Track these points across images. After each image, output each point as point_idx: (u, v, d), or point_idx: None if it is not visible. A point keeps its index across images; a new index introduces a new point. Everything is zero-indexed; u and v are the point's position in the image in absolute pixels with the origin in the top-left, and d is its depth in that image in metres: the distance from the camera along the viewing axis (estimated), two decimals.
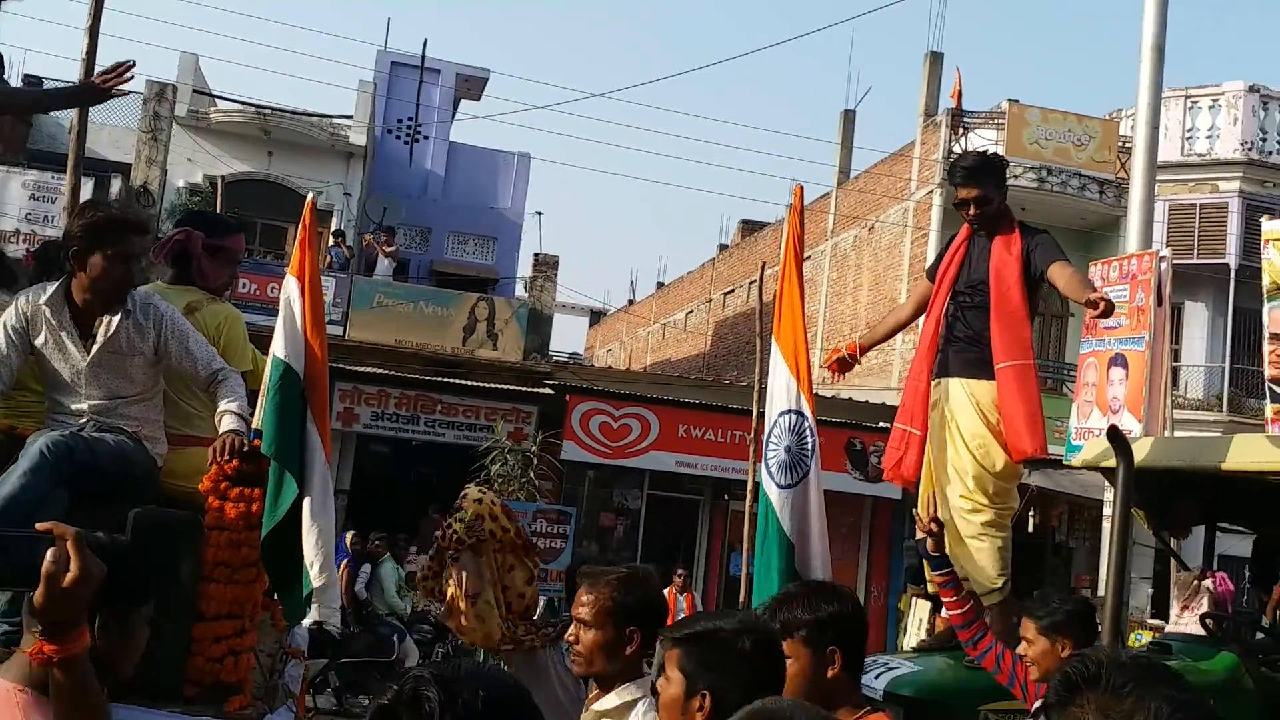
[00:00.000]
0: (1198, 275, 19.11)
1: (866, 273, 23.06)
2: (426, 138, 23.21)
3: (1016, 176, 18.76)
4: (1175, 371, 17.28)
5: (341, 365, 16.25)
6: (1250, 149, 19.43)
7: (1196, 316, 19.68)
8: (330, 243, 19.68)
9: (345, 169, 21.21)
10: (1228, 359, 19.12)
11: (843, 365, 5.36)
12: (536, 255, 20.38)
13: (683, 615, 14.38)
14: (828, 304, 24.46)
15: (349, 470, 17.49)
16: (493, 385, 17.49)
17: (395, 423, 17.34)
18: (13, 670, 2.22)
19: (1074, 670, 1.67)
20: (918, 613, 6.36)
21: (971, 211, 5.10)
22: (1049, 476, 15.86)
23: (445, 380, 17.40)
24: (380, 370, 17.17)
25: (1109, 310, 4.61)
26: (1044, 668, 3.73)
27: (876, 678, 4.90)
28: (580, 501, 18.14)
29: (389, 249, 19.80)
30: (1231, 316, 18.85)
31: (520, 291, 21.20)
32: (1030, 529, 17.78)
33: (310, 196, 5.27)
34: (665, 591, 14.85)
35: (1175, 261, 16.82)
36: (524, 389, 17.70)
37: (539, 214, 32.44)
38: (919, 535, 4.46)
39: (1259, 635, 5.91)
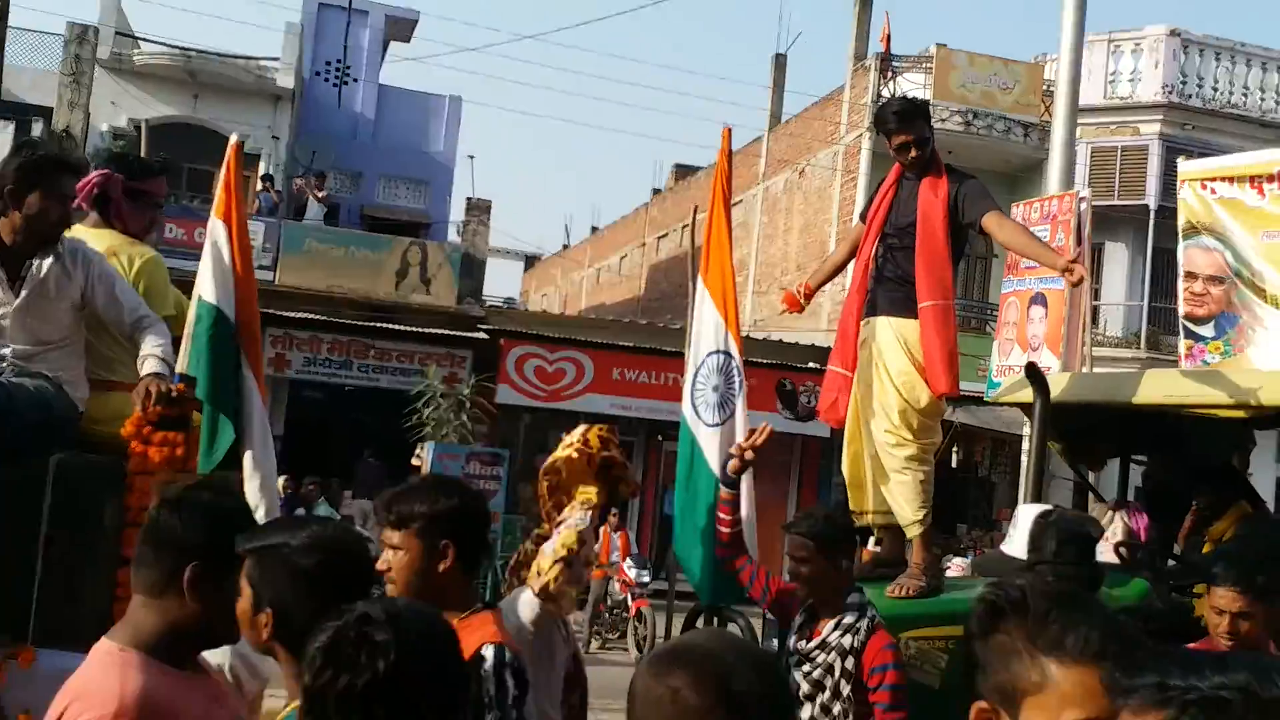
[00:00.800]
0: (1118, 216, 19.47)
1: (797, 216, 23.20)
2: (356, 80, 22.84)
3: (943, 120, 18.94)
4: (1095, 310, 17.65)
5: (273, 311, 16.07)
6: (1171, 92, 19.75)
7: (1116, 256, 20.08)
8: (259, 187, 19.35)
9: (273, 112, 20.81)
10: (1146, 298, 19.56)
11: (795, 304, 5.43)
12: (469, 199, 20.23)
13: (616, 554, 14.60)
14: (759, 248, 24.60)
15: (282, 416, 17.36)
16: (426, 330, 17.42)
17: (328, 368, 17.22)
18: (120, 633, 2.19)
19: (999, 598, 1.71)
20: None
21: (913, 154, 5.16)
22: (972, 414, 16.20)
23: (378, 325, 17.30)
24: (312, 316, 17.02)
25: (1081, 277, 4.72)
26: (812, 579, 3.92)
27: None
28: (516, 445, 18.20)
29: (320, 193, 19.52)
30: (1150, 256, 19.26)
31: (453, 236, 21.05)
32: (954, 465, 18.20)
33: (234, 138, 5.20)
34: (600, 530, 15.02)
35: (1096, 203, 17.19)
36: (458, 334, 17.65)
37: (471, 158, 32.15)
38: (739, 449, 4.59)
39: (1170, 562, 6.14)
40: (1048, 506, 3.20)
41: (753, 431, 4.68)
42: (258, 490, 4.31)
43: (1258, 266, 6.61)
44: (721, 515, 4.57)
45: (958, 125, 19.55)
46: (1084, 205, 7.78)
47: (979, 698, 1.65)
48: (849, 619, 3.83)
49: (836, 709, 3.72)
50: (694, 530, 5.14)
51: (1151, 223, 19.02)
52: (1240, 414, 4.94)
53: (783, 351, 18.79)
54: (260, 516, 4.19)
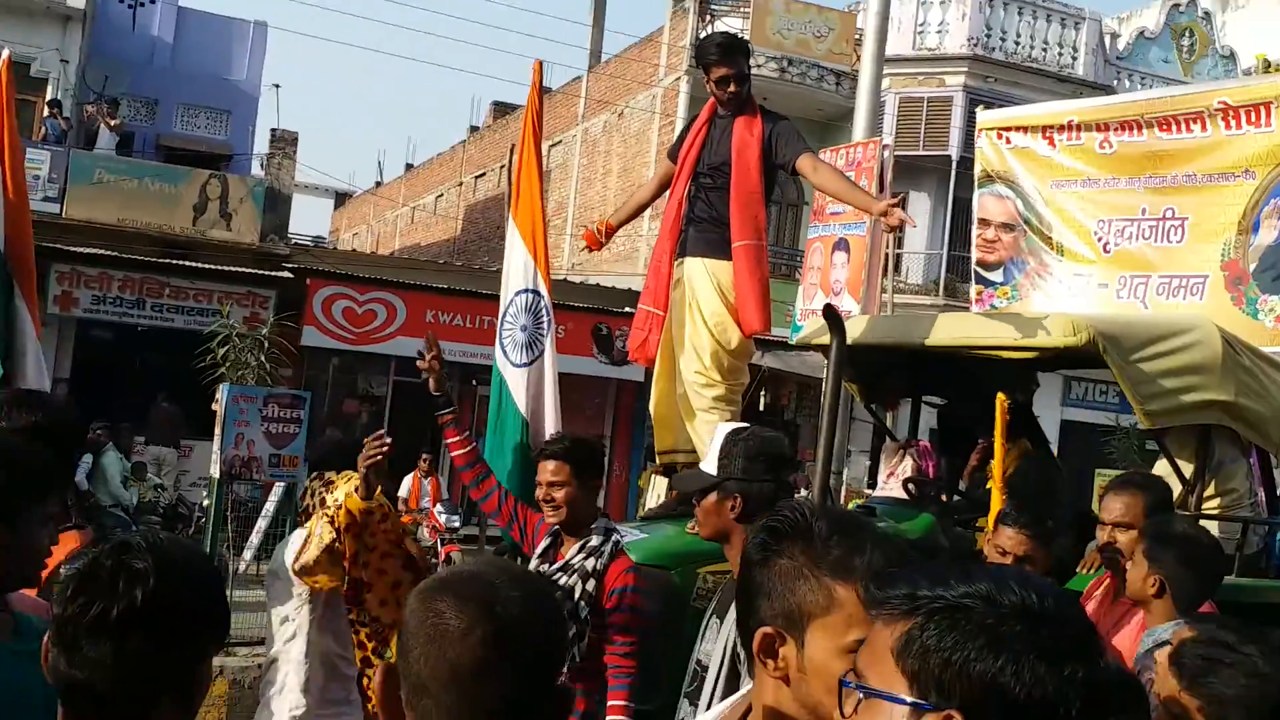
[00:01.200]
0: (923, 166, 20.17)
1: (616, 159, 23.17)
2: (153, 1, 21.53)
3: (760, 66, 19.16)
4: (898, 258, 18.28)
5: (59, 245, 15.12)
6: (976, 44, 20.47)
7: (920, 205, 20.82)
8: (45, 113, 18.10)
9: (62, 33, 19.45)
10: (946, 246, 20.37)
11: (595, 241, 5.38)
12: (274, 131, 19.41)
13: (427, 500, 14.43)
14: (578, 190, 24.50)
15: (68, 357, 16.43)
16: (226, 268, 16.71)
17: (119, 307, 16.34)
18: None
19: (781, 522, 1.73)
20: (656, 488, 6.60)
21: (732, 89, 5.16)
22: (780, 358, 16.59)
23: (174, 262, 16.49)
24: (102, 251, 16.08)
25: (899, 221, 4.80)
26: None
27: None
28: (324, 389, 17.73)
29: (112, 121, 18.39)
30: (951, 206, 20.04)
31: (257, 169, 20.19)
32: (761, 408, 18.64)
33: (5, 54, 4.84)
34: (410, 476, 14.81)
35: (903, 153, 17.76)
36: (261, 272, 17.00)
37: (277, 87, 30.82)
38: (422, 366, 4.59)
39: (955, 498, 6.42)
40: (743, 425, 3.28)
41: None
42: None
43: (1046, 215, 6.94)
44: (450, 440, 4.49)
45: (773, 72, 19.82)
46: (886, 153, 8.00)
47: (760, 625, 1.65)
48: (594, 542, 3.83)
49: (573, 631, 3.73)
50: (503, 472, 5.09)
51: (953, 173, 19.74)
52: (1022, 355, 5.17)
53: (600, 295, 18.83)
54: None
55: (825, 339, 5.32)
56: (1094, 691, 1.12)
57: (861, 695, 1.20)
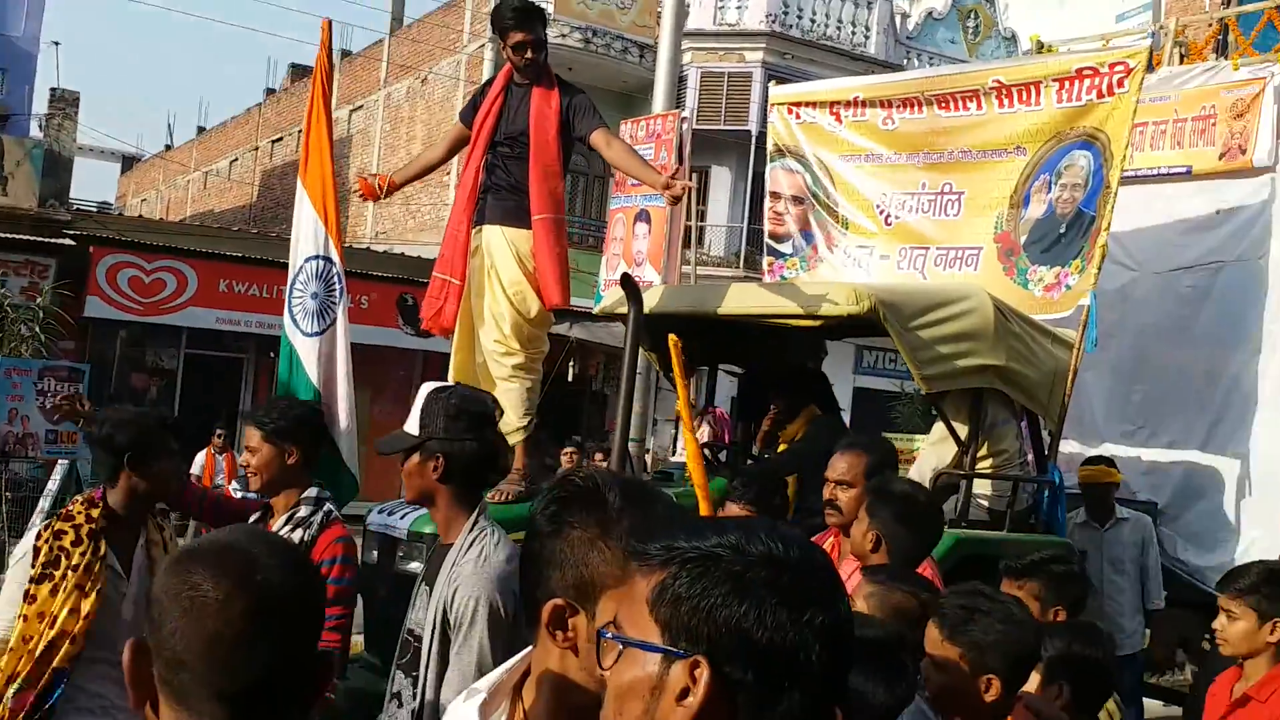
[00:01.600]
0: (724, 140, 20.54)
1: (420, 126, 22.76)
2: None
3: (564, 36, 19.13)
4: (701, 231, 18.59)
5: None
6: (774, 21, 20.93)
7: (721, 180, 21.22)
8: None
9: None
10: (746, 220, 20.84)
11: (371, 192, 5.24)
12: (54, 91, 18.23)
13: (221, 476, 13.92)
14: (381, 157, 23.95)
15: None
16: (1, 235, 15.65)
17: None
18: None
19: (572, 491, 1.72)
20: None
21: (529, 55, 5.12)
22: (587, 329, 16.68)
23: None
24: None
25: (681, 193, 4.84)
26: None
27: (402, 518, 5.02)
28: (110, 362, 16.87)
29: None
30: (752, 180, 20.49)
31: (35, 131, 18.95)
32: (570, 379, 18.70)
33: None
34: (203, 452, 14.26)
35: (704, 127, 18.02)
36: (39, 239, 16.00)
37: (56, 45, 28.95)
38: None
39: (748, 461, 6.62)
40: (445, 384, 3.24)
41: None
42: None
43: (832, 189, 7.19)
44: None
45: (577, 42, 19.81)
46: (685, 126, 8.13)
47: (550, 596, 1.64)
48: (302, 513, 3.66)
49: None
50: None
51: (753, 148, 20.16)
52: (809, 323, 5.37)
53: (405, 265, 18.48)
54: None
55: (625, 308, 5.39)
56: (835, 636, 1.17)
57: (620, 645, 1.22)
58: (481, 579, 2.64)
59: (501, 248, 5.15)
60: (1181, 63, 7.63)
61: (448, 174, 17.51)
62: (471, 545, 2.75)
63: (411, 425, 2.91)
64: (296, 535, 3.59)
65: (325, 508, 3.69)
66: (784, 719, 1.15)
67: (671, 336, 4.15)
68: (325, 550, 3.59)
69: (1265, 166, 6.68)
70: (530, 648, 1.79)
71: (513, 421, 5.21)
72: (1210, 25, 8.30)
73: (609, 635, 1.24)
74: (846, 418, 18.69)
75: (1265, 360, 6.53)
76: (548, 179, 5.08)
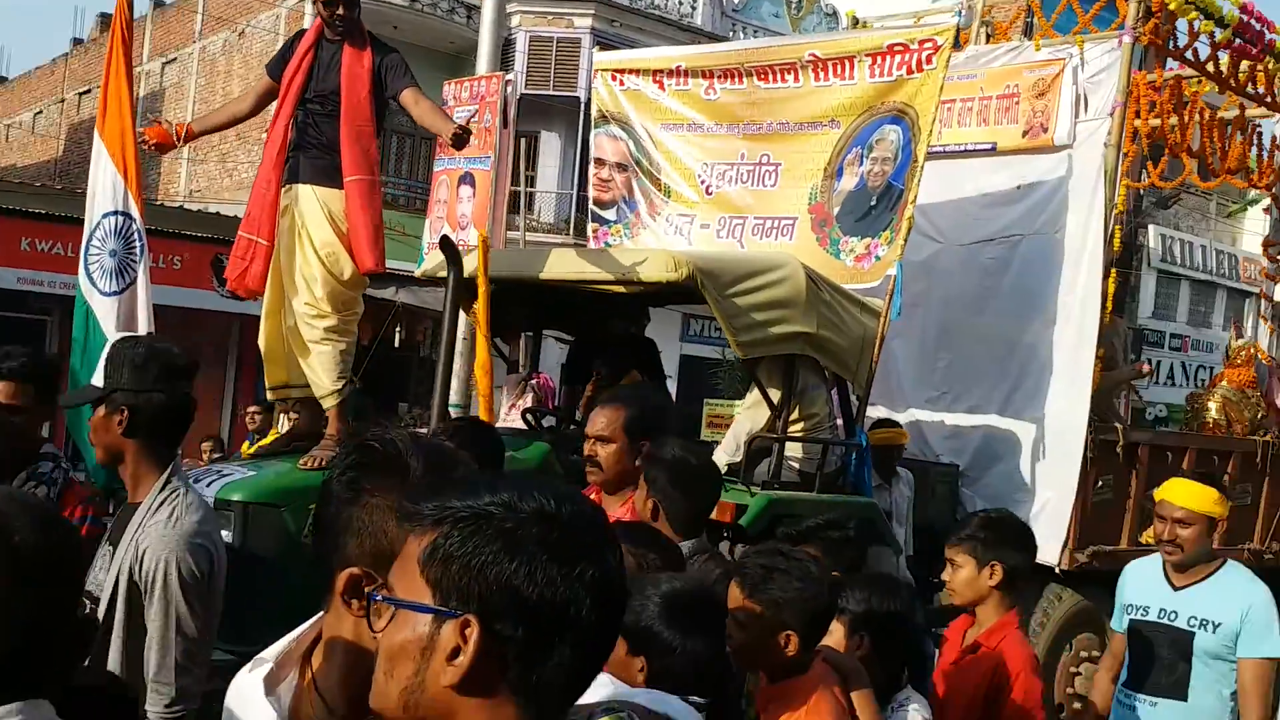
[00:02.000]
0: (554, 106, 20.42)
1: (237, 80, 21.87)
2: None
3: None
4: (530, 197, 18.51)
5: None
6: None
7: (551, 146, 21.11)
8: None
9: None
10: (576, 186, 20.80)
11: (163, 144, 5.00)
12: None
13: None
14: (195, 112, 22.91)
15: None
16: None
17: None
18: None
19: (372, 458, 1.69)
20: (283, 427, 6.38)
21: (340, 11, 4.98)
22: (414, 293, 16.39)
23: None
24: None
25: (464, 136, 4.75)
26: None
27: (209, 485, 4.86)
28: None
29: None
30: (581, 147, 20.44)
31: None
32: (397, 344, 18.38)
33: None
34: None
35: (534, 92, 17.91)
36: None
37: None
38: None
39: (571, 427, 6.65)
40: (133, 334, 3.13)
41: None
42: None
43: (655, 157, 7.25)
44: None
45: (404, 1, 19.37)
46: (510, 89, 8.05)
47: (347, 565, 1.61)
48: (43, 469, 3.46)
49: None
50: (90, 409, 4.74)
51: (583, 114, 20.10)
52: (629, 289, 5.41)
53: (220, 224, 17.74)
54: None
55: (445, 272, 5.32)
56: (605, 590, 1.19)
57: (392, 608, 1.21)
58: (171, 540, 2.56)
59: (313, 208, 5.02)
60: (988, 42, 7.94)
61: (266, 131, 16.93)
62: (161, 505, 2.65)
63: (97, 378, 2.77)
64: (41, 493, 3.39)
65: (64, 465, 3.50)
66: (555, 673, 1.17)
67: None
68: (75, 509, 3.40)
69: (1064, 144, 7.02)
70: (320, 614, 1.76)
71: (326, 385, 5.10)
72: (1016, 6, 8.69)
73: (379, 598, 1.23)
74: (673, 385, 18.93)
75: (1059, 330, 6.88)
76: (360, 139, 4.96)
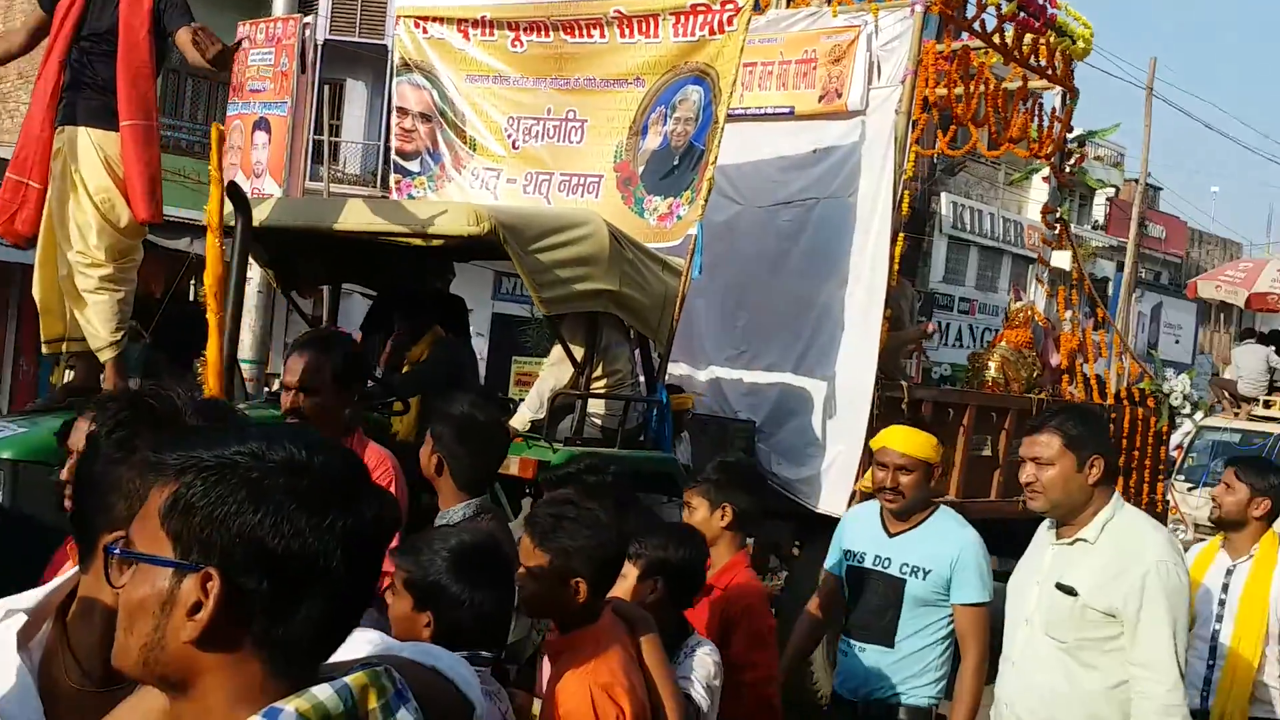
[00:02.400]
0: (360, 54, 19.82)
1: (18, 16, 20.42)
2: None
3: None
4: (335, 147, 17.96)
5: None
6: None
7: (357, 95, 20.50)
8: None
9: None
10: (383, 137, 20.29)
11: None
12: None
13: None
14: None
15: None
16: None
17: None
18: None
19: (143, 413, 1.66)
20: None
21: None
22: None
23: None
24: None
25: (222, 56, 4.54)
26: None
27: None
28: None
29: None
30: (387, 97, 19.94)
31: None
32: (191, 297, 17.65)
33: None
34: None
35: (338, 38, 17.35)
36: None
37: None
38: None
39: (370, 383, 6.51)
40: None
41: None
42: None
43: (461, 108, 7.13)
44: None
45: None
46: (309, 33, 7.78)
47: (113, 528, 1.54)
48: None
49: None
50: None
51: (390, 63, 19.52)
52: (429, 242, 5.32)
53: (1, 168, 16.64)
54: None
55: (231, 220, 5.13)
56: (357, 540, 1.17)
57: (130, 562, 1.17)
58: None
59: (87, 151, 4.76)
60: (788, 6, 8.09)
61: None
62: None
63: None
64: None
65: None
66: (303, 627, 1.15)
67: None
68: None
69: (857, 110, 7.23)
70: (75, 569, 1.69)
71: (103, 337, 4.88)
72: None
73: (116, 551, 1.18)
74: (484, 343, 18.75)
75: (850, 291, 7.11)
76: (137, 82, 4.72)
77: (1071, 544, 3.28)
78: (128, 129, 4.70)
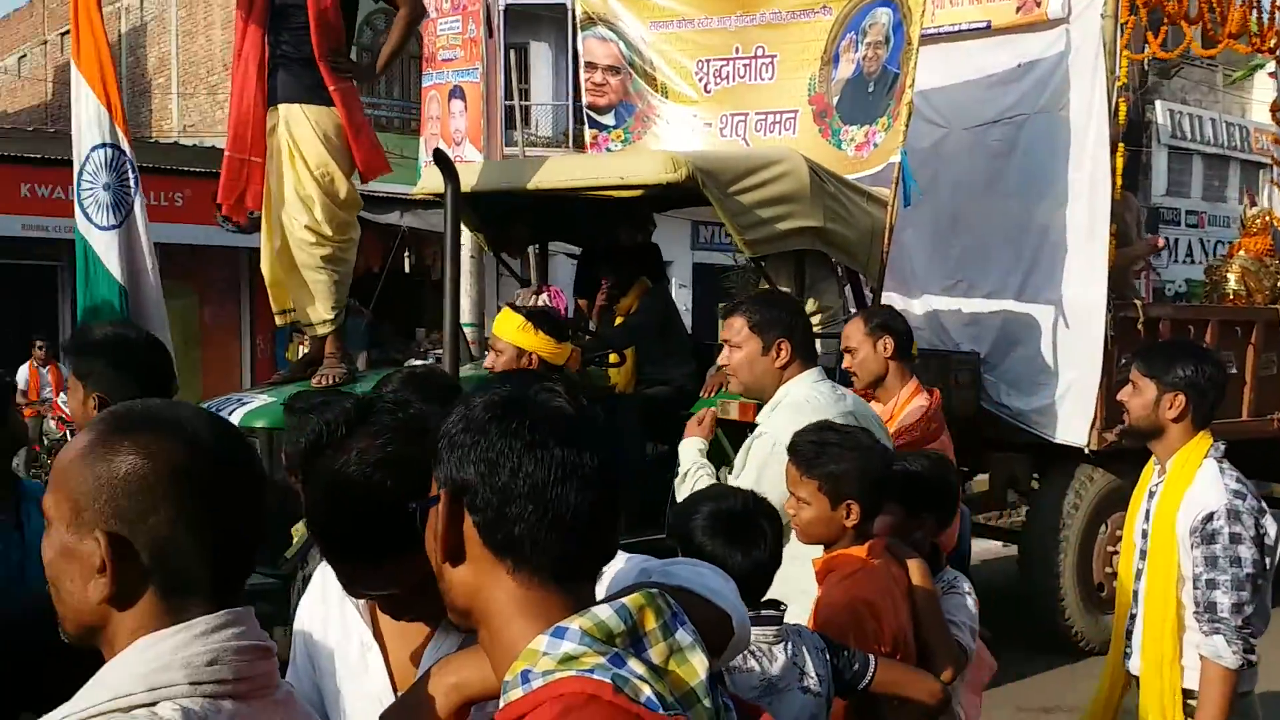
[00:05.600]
0: (541, 15, 20.01)
1: (218, 8, 21.51)
2: None
3: None
4: (526, 110, 18.21)
5: None
6: None
7: (542, 56, 20.74)
8: None
9: None
10: (571, 96, 20.49)
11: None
12: None
13: (48, 390, 13.27)
14: (180, 44, 22.62)
15: None
16: None
17: None
18: None
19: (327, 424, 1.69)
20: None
21: None
22: (420, 216, 16.32)
23: None
24: None
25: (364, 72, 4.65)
26: None
27: (231, 414, 4.87)
28: None
29: None
30: (573, 55, 20.07)
31: None
32: (408, 270, 18.33)
33: None
34: (25, 366, 13.55)
35: (519, 2, 17.48)
36: None
37: None
38: None
39: (585, 337, 6.61)
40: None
41: None
42: None
43: (648, 55, 7.09)
44: None
45: None
46: None
47: None
48: None
49: None
50: None
51: (570, 21, 19.64)
52: (628, 193, 5.32)
53: (217, 158, 17.55)
54: None
55: (441, 188, 5.25)
56: (600, 475, 1.26)
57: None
58: None
59: (303, 127, 4.93)
60: None
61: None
62: None
63: None
64: None
65: None
66: (570, 547, 1.25)
67: None
68: None
69: (1058, 18, 6.83)
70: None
71: (320, 314, 5.08)
72: None
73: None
74: (687, 293, 18.78)
75: (1071, 209, 6.77)
76: (334, 47, 4.85)
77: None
78: (337, 93, 4.83)
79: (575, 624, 1.17)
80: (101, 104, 4.64)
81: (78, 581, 1.23)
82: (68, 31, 23.62)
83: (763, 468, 3.06)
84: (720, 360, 3.41)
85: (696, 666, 1.21)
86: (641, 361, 5.92)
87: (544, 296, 6.91)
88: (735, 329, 3.29)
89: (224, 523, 1.25)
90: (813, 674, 2.41)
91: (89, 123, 4.69)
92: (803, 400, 3.15)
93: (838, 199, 5.68)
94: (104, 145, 4.68)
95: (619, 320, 6.25)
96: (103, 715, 1.18)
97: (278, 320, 5.47)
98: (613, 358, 5.80)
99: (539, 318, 4.15)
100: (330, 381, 4.78)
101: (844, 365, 4.23)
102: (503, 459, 1.22)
